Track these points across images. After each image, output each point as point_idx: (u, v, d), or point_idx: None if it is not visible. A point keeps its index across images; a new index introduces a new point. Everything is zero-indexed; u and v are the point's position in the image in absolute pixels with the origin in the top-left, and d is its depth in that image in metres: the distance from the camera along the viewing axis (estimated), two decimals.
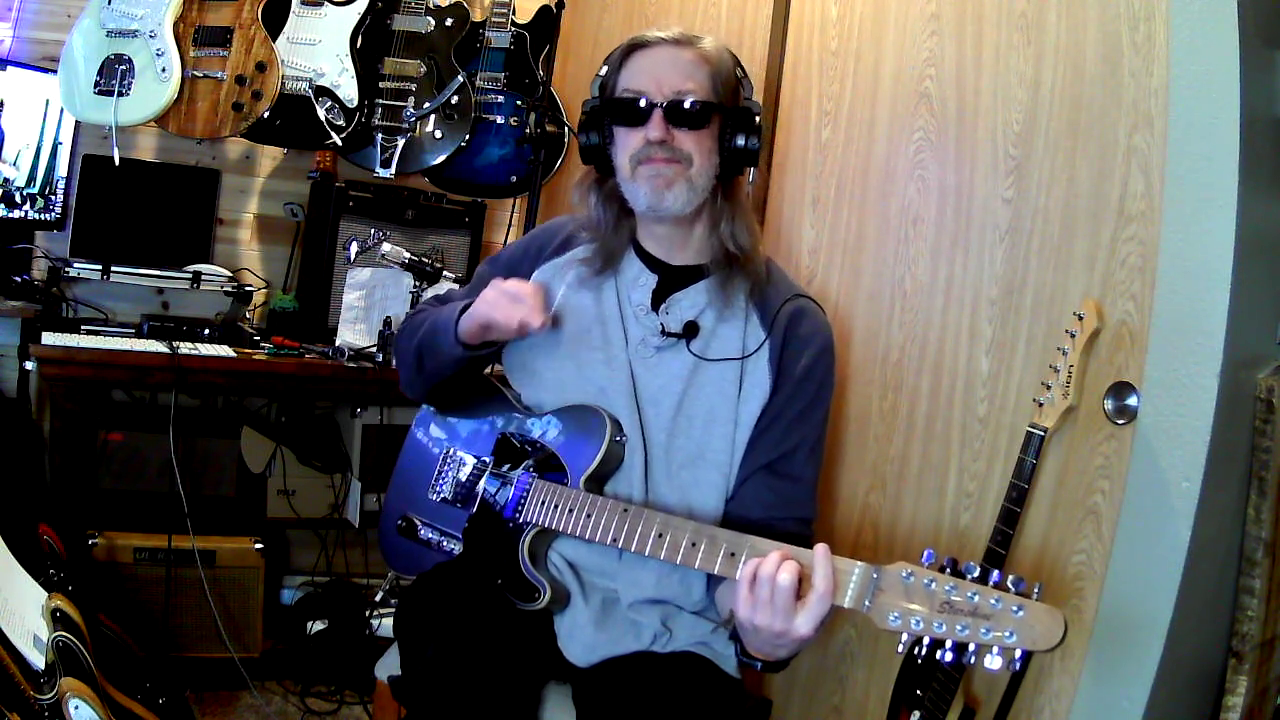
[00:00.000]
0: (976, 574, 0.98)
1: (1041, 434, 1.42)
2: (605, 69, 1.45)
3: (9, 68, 2.34)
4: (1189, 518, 1.30)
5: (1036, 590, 0.97)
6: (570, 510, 1.34)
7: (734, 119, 1.40)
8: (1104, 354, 1.43)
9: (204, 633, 2.30)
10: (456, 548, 1.50)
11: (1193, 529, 1.30)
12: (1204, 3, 1.31)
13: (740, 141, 1.40)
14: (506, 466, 1.45)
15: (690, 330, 1.42)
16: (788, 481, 1.41)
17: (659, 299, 1.46)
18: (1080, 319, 1.42)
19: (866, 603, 1.05)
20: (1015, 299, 1.58)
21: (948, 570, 1.00)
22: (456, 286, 2.35)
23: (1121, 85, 1.44)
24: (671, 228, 1.45)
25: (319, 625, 2.60)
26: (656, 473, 1.41)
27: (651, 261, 1.48)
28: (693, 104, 1.36)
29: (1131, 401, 1.38)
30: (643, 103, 1.37)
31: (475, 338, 1.45)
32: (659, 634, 1.39)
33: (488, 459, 1.49)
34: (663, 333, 1.43)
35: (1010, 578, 0.97)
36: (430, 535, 1.54)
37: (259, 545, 2.39)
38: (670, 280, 1.46)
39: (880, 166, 1.85)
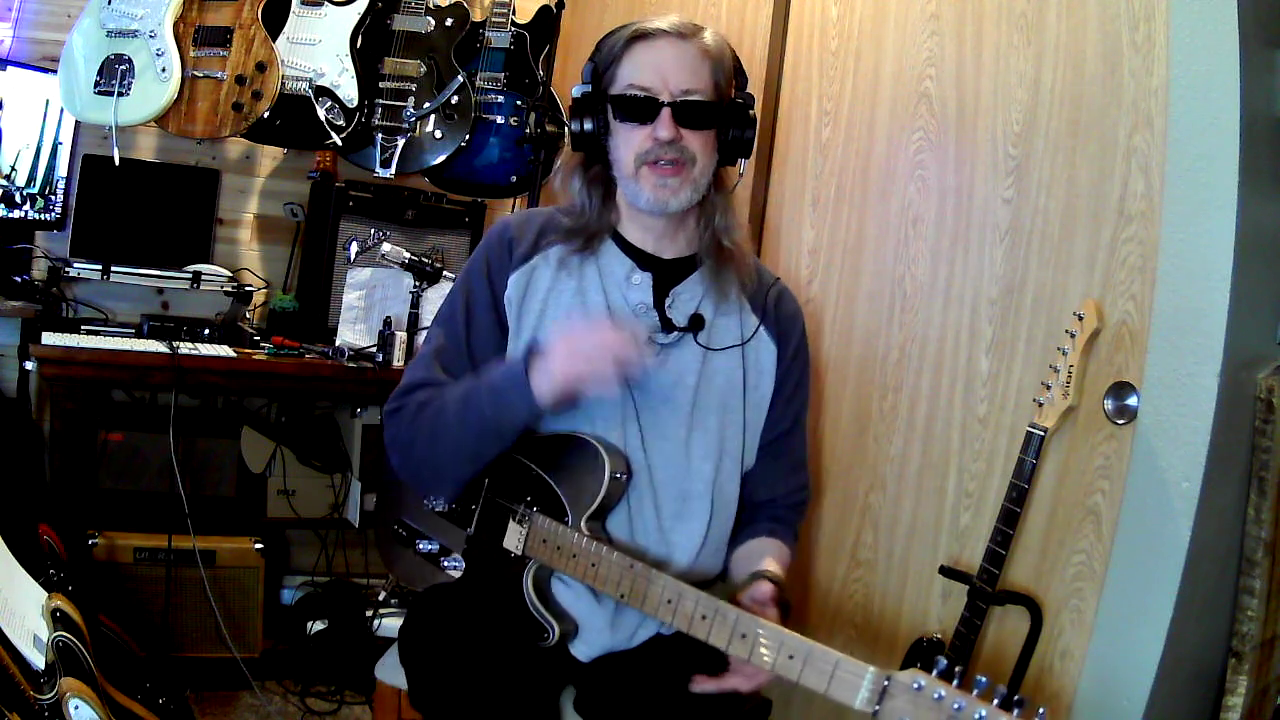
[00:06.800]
0: (985, 688, 0.98)
1: (1041, 434, 1.42)
2: (602, 55, 1.41)
3: (9, 68, 2.34)
4: (1189, 518, 1.30)
5: (1040, 713, 0.96)
6: (574, 556, 1.30)
7: (733, 113, 1.41)
8: (1104, 354, 1.43)
9: (204, 633, 2.31)
10: (456, 564, 1.46)
11: (1193, 529, 1.30)
12: (1204, 3, 1.31)
13: (739, 133, 1.41)
14: (504, 493, 1.40)
15: (696, 323, 1.43)
16: (785, 456, 1.51)
17: (660, 295, 1.44)
18: (1080, 319, 1.42)
19: (875, 707, 1.04)
20: (1015, 299, 1.58)
21: (956, 682, 0.99)
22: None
23: (1121, 85, 1.44)
24: (665, 221, 1.44)
25: (319, 625, 2.60)
26: (672, 480, 1.39)
27: (638, 256, 1.45)
28: (701, 104, 1.36)
29: (1131, 401, 1.38)
30: (651, 101, 1.35)
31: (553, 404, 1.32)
32: None
33: (484, 480, 1.44)
34: (669, 328, 1.42)
35: (1016, 696, 0.97)
36: (429, 547, 1.50)
37: (259, 545, 2.40)
38: (665, 275, 1.45)
39: (880, 166, 1.85)
